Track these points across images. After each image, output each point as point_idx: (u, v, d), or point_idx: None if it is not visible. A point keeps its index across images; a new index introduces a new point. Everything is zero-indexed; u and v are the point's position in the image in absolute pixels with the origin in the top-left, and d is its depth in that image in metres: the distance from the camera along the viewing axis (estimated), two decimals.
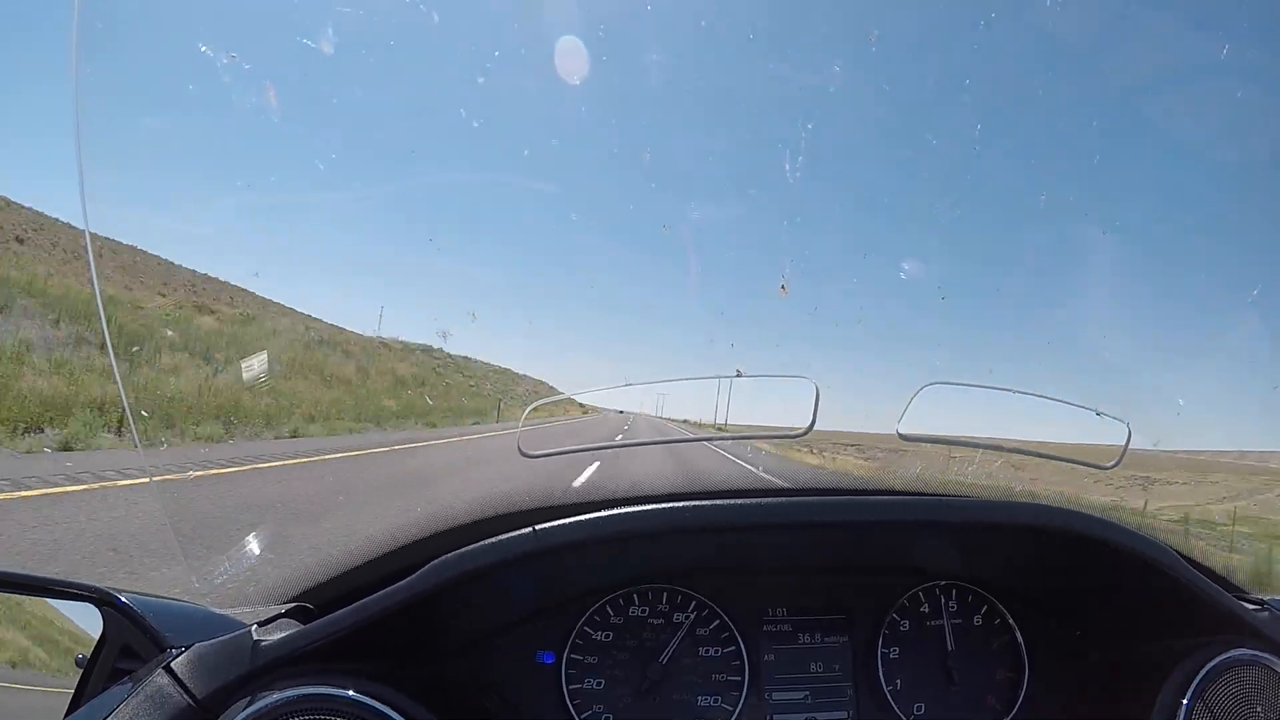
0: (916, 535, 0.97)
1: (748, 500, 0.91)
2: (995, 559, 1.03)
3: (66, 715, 0.72)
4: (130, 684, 0.70)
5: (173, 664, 0.71)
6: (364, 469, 8.68)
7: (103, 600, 0.77)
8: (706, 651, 1.00)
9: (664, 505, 0.87)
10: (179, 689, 0.69)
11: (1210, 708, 0.84)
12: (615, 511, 0.86)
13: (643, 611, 1.01)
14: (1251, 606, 0.95)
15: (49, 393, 8.45)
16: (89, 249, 0.97)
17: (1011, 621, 1.05)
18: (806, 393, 1.00)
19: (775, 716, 0.98)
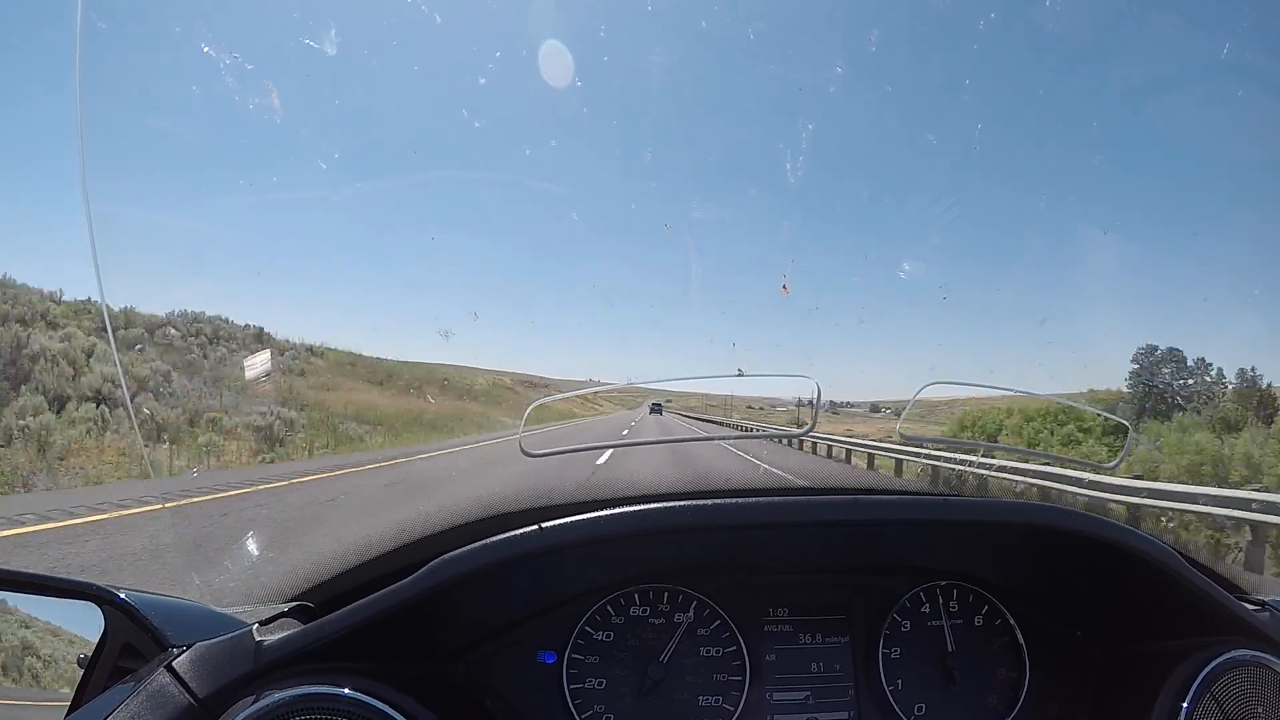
0: (917, 535, 0.97)
1: (749, 499, 0.91)
2: (996, 559, 1.03)
3: (68, 714, 0.72)
4: (132, 683, 0.70)
5: (174, 663, 0.71)
6: None
7: (104, 599, 0.78)
8: (707, 651, 1.00)
9: (667, 504, 0.87)
10: (181, 688, 0.69)
11: (1211, 708, 0.84)
12: (619, 510, 0.86)
13: (644, 611, 1.01)
14: (1252, 607, 0.95)
15: None
16: (93, 250, 0.96)
17: (1012, 621, 1.05)
18: (808, 392, 1.01)
19: (776, 716, 0.98)
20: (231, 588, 1.13)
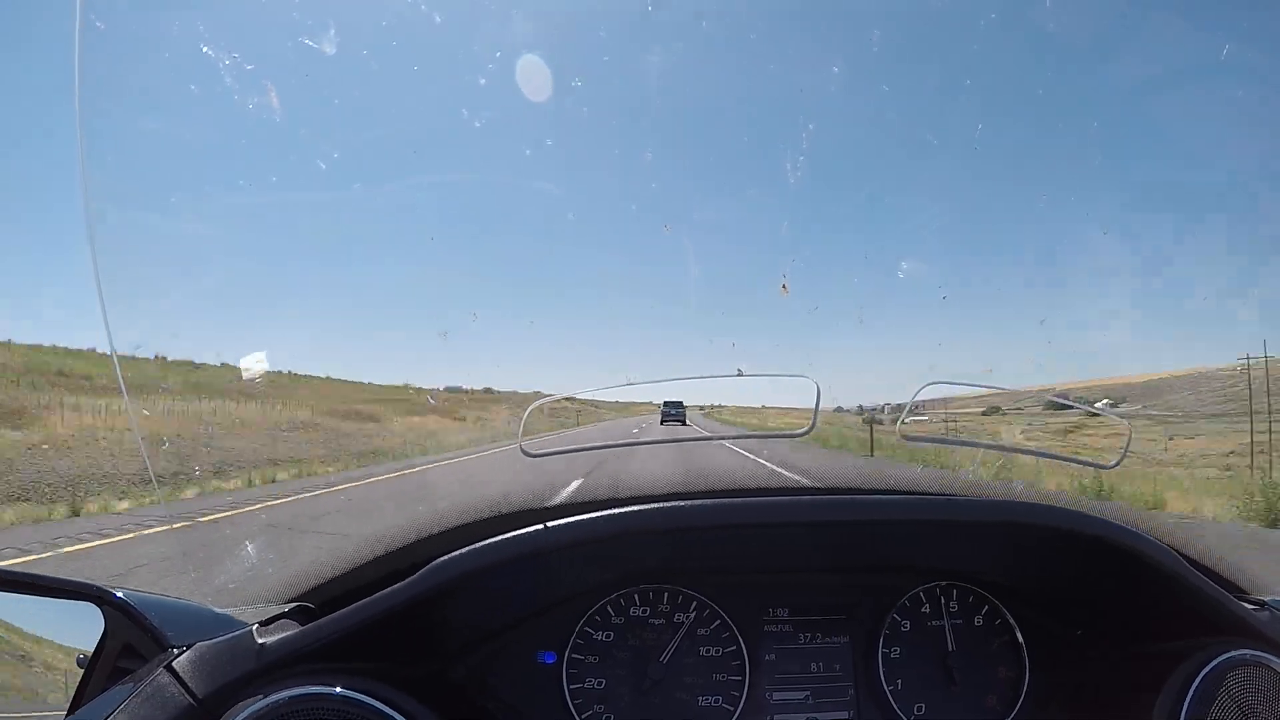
0: (918, 535, 0.97)
1: (753, 499, 0.91)
2: (996, 558, 1.03)
3: (68, 714, 0.73)
4: (132, 683, 0.70)
5: (174, 663, 0.71)
6: None
7: (104, 599, 0.78)
8: (707, 651, 1.00)
9: (672, 504, 0.87)
10: (181, 688, 0.69)
11: (1210, 708, 0.84)
12: (625, 510, 0.86)
13: (644, 612, 1.01)
14: (1251, 607, 0.95)
15: None
16: (92, 252, 0.96)
17: (1012, 621, 1.05)
18: (807, 392, 1.00)
19: (776, 716, 0.98)
20: (232, 589, 1.13)
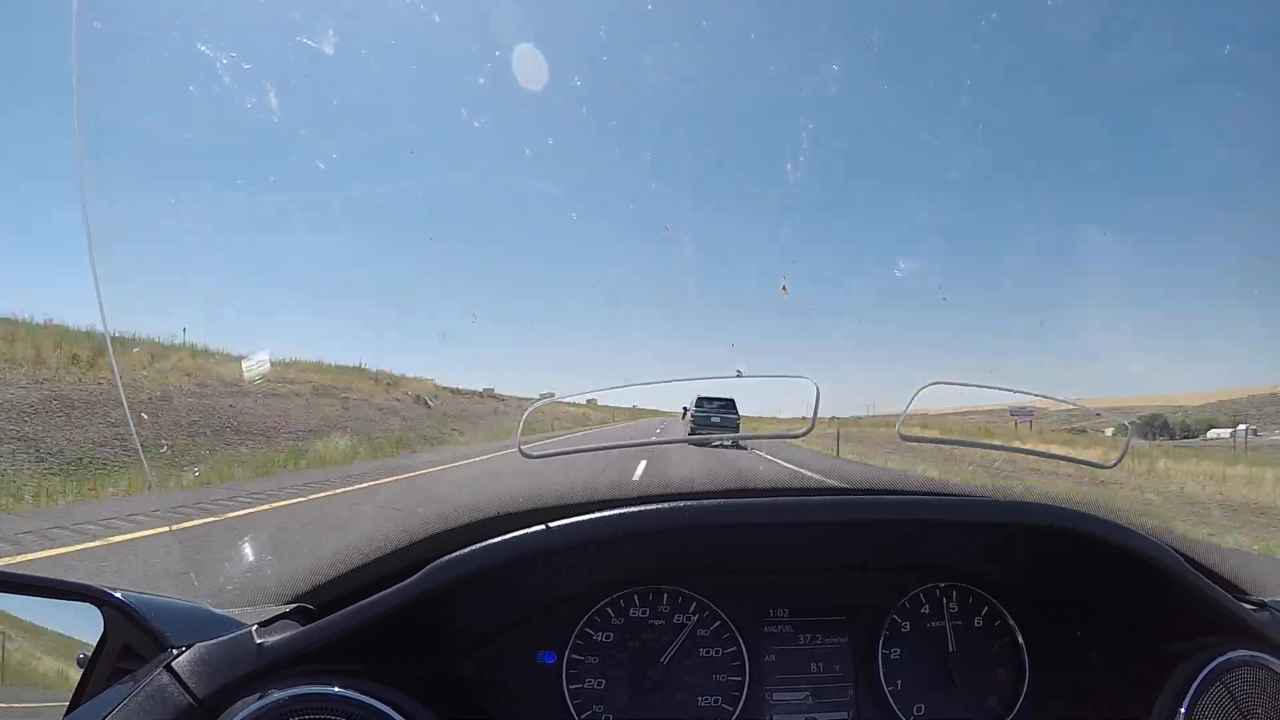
0: (919, 535, 0.97)
1: (757, 500, 0.91)
2: (997, 559, 1.03)
3: (67, 714, 0.72)
4: (131, 683, 0.70)
5: (174, 663, 0.71)
6: None
7: (103, 600, 0.78)
8: (707, 652, 1.00)
9: (674, 504, 0.87)
10: (180, 688, 0.70)
11: (1210, 709, 0.84)
12: (626, 510, 0.86)
13: (644, 613, 1.00)
14: (1251, 607, 0.95)
15: None
16: (89, 248, 0.96)
17: (1012, 622, 1.05)
18: (807, 392, 1.00)
19: (775, 717, 0.98)
20: (231, 589, 1.13)
